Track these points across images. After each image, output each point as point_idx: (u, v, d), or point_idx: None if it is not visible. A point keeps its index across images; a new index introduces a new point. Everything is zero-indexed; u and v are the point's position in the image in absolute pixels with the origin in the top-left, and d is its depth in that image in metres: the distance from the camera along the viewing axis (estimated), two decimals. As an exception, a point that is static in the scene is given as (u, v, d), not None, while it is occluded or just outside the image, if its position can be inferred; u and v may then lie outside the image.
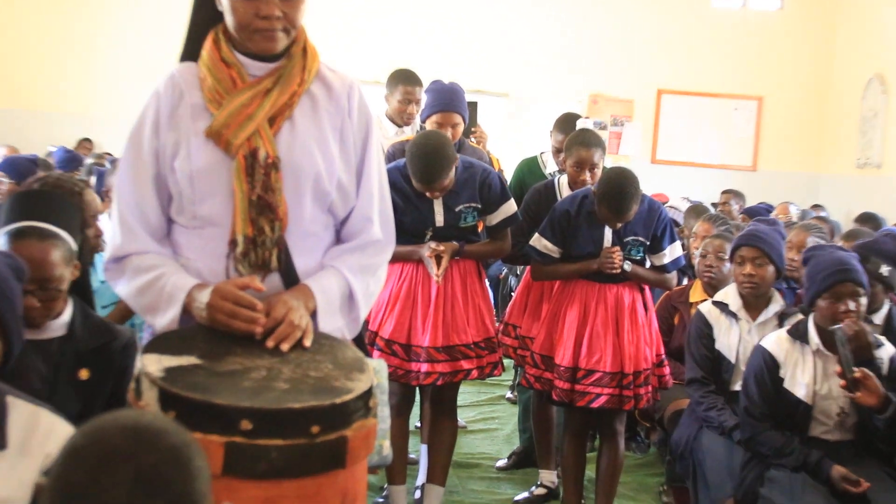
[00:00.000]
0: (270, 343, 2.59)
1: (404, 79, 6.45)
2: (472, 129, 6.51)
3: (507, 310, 5.88)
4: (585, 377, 5.12)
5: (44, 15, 14.77)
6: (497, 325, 5.48)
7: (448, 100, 5.15)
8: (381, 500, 5.57)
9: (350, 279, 2.87)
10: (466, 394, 7.10)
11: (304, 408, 2.31)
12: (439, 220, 5.05)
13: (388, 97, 6.52)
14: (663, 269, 5.29)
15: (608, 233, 5.14)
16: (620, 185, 4.95)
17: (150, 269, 2.76)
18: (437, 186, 4.94)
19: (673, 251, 5.28)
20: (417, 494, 5.51)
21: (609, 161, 5.80)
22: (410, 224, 4.98)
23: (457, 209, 5.05)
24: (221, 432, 2.24)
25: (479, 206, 5.11)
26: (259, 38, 2.72)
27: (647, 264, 5.25)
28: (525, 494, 6.01)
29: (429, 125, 5.13)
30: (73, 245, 3.24)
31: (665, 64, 15.03)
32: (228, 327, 2.61)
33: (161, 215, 2.86)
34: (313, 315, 2.76)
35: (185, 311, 2.72)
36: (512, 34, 14.44)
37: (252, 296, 2.65)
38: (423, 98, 5.91)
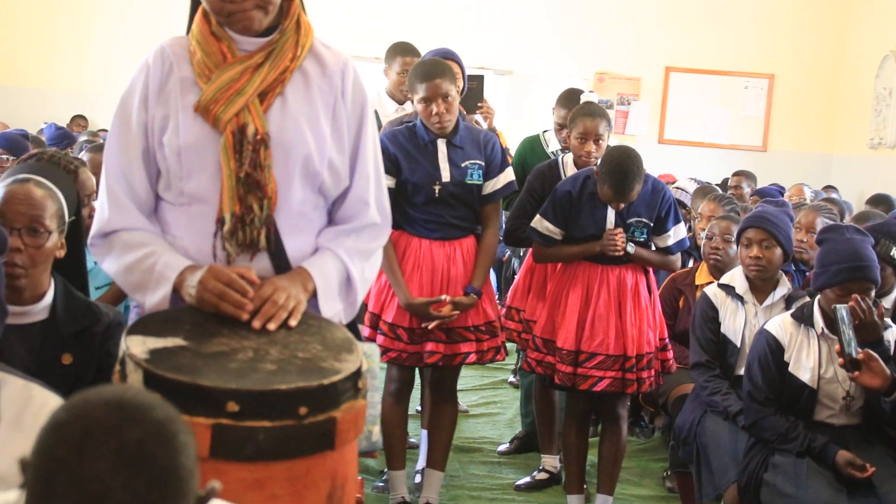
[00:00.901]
0: (256, 323, 2.60)
1: (402, 50, 6.50)
2: (479, 105, 6.49)
3: (510, 293, 5.89)
4: (588, 360, 5.14)
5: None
6: (500, 308, 5.49)
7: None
8: (380, 484, 5.60)
9: (348, 263, 2.88)
10: (468, 378, 7.12)
11: (291, 389, 2.32)
12: (446, 175, 5.05)
13: (387, 71, 6.55)
14: (667, 250, 5.30)
15: (611, 214, 5.15)
16: (623, 163, 4.97)
17: (140, 246, 2.77)
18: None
19: (677, 232, 5.30)
20: (418, 479, 5.53)
21: (615, 141, 5.80)
22: (419, 181, 5.02)
23: (462, 164, 5.07)
24: (208, 414, 2.26)
25: (483, 164, 5.12)
26: (234, 20, 2.71)
27: (652, 246, 5.26)
28: (527, 479, 6.04)
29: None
30: (66, 215, 3.23)
31: (673, 41, 14.98)
32: (216, 308, 2.62)
33: (149, 190, 2.86)
34: (314, 298, 2.78)
35: (174, 292, 2.72)
36: (515, 9, 14.40)
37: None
38: None
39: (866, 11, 14.78)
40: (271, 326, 2.59)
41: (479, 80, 6.48)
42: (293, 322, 2.64)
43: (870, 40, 14.56)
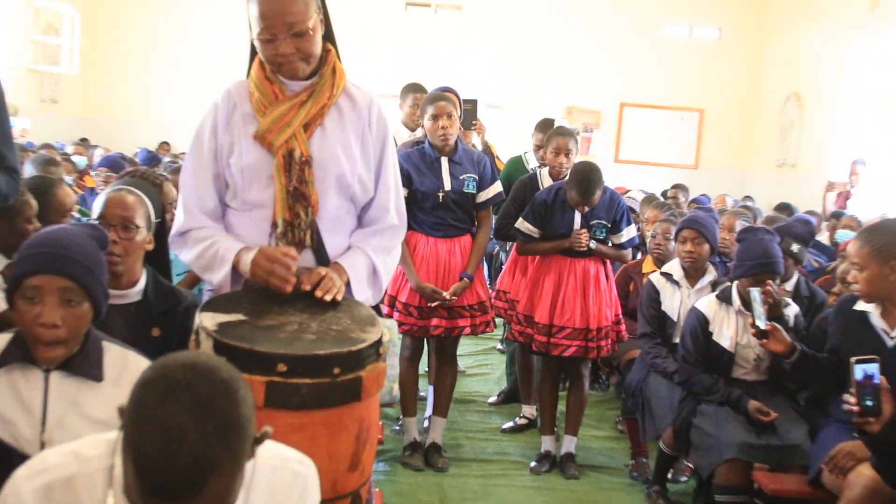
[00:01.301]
0: (318, 292, 2.64)
1: (413, 88, 6.54)
2: (473, 123, 6.46)
3: (498, 279, 5.92)
4: (559, 332, 5.21)
5: (132, 43, 14.77)
6: (490, 291, 5.52)
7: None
8: (397, 427, 5.62)
9: (374, 258, 2.91)
10: (465, 345, 7.11)
11: (327, 354, 2.35)
12: (447, 186, 5.09)
13: (402, 105, 6.57)
14: (621, 246, 5.35)
15: (577, 217, 5.20)
16: (587, 174, 5.08)
17: (206, 238, 2.81)
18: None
19: (629, 232, 5.35)
20: (426, 424, 5.54)
21: (580, 159, 5.81)
22: (426, 190, 5.06)
23: (461, 177, 5.11)
24: (262, 373, 2.29)
25: (477, 178, 5.15)
26: (283, 69, 2.75)
27: (609, 243, 5.29)
28: (510, 424, 6.08)
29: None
30: (153, 217, 3.22)
31: (626, 82, 15.07)
32: (265, 282, 2.66)
33: (217, 201, 2.88)
34: (347, 286, 2.80)
35: (233, 270, 2.76)
36: (504, 58, 14.44)
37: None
38: None
39: (774, 62, 14.81)
40: (328, 298, 2.64)
41: (473, 102, 6.42)
42: (339, 297, 2.68)
43: (776, 83, 14.61)
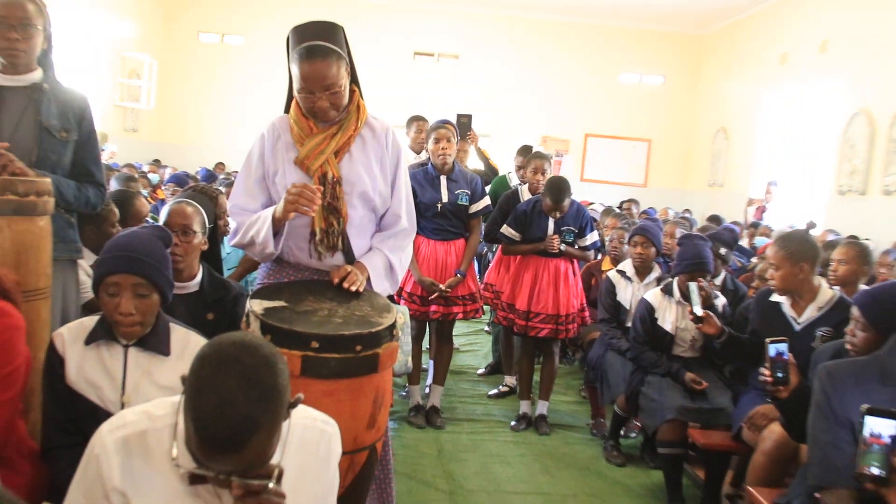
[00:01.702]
0: (346, 284, 2.66)
1: (417, 118, 6.57)
2: (468, 133, 6.47)
3: (486, 275, 5.91)
4: (535, 317, 5.22)
5: (196, 85, 14.81)
6: (480, 284, 5.51)
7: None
8: (404, 393, 5.61)
9: (390, 256, 2.90)
10: (459, 327, 7.06)
11: (351, 334, 2.35)
12: (444, 198, 5.10)
13: (408, 133, 6.58)
14: (586, 248, 5.36)
15: (551, 223, 5.21)
16: (558, 184, 5.14)
17: (247, 220, 2.82)
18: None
19: (592, 237, 5.38)
20: (427, 390, 5.52)
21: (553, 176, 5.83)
22: (428, 201, 5.07)
23: (456, 192, 5.12)
24: (299, 349, 2.29)
25: (469, 193, 5.16)
26: (319, 116, 2.76)
27: (576, 246, 5.29)
28: (495, 391, 6.06)
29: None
30: (206, 224, 3.22)
31: (590, 117, 15.14)
32: (294, 206, 2.61)
33: (260, 209, 2.86)
34: (368, 280, 2.80)
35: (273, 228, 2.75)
36: (492, 97, 14.43)
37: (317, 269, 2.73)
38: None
39: (706, 103, 14.88)
40: (353, 289, 2.65)
41: (468, 117, 6.45)
42: (361, 289, 2.69)
43: (708, 120, 14.71)
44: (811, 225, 9.60)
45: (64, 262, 3.17)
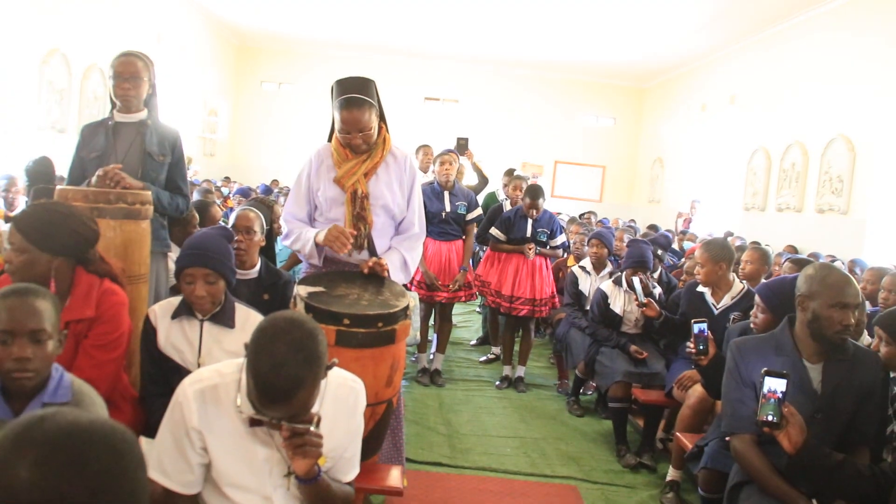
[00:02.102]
0: (376, 269, 2.67)
1: (424, 146, 6.44)
2: (466, 150, 6.30)
3: (478, 269, 5.85)
4: (516, 300, 5.18)
5: (258, 120, 14.81)
6: (473, 275, 5.47)
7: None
8: (413, 359, 5.56)
9: (405, 255, 2.88)
10: (456, 308, 7.02)
11: (374, 314, 2.34)
12: (448, 208, 5.07)
13: (417, 156, 6.50)
14: (556, 247, 5.31)
15: (529, 225, 5.20)
16: (534, 188, 5.24)
17: (296, 230, 2.82)
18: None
19: (561, 239, 5.35)
20: (431, 357, 5.49)
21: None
22: (434, 211, 5.01)
23: (456, 203, 5.09)
24: (334, 324, 2.28)
25: (467, 204, 5.14)
26: (353, 150, 2.77)
27: (548, 246, 5.27)
28: (484, 358, 6.01)
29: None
30: (264, 226, 3.24)
31: (559, 148, 15.09)
32: (332, 245, 2.65)
33: (306, 216, 2.88)
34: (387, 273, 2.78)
35: (316, 246, 2.78)
36: (484, 131, 14.35)
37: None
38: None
39: (646, 139, 14.82)
40: (384, 274, 2.69)
41: (466, 139, 6.30)
42: (385, 275, 2.70)
43: (648, 151, 14.70)
44: (728, 234, 9.59)
45: (157, 254, 3.25)
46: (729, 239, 8.11)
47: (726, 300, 3.79)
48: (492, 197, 6.86)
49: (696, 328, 3.28)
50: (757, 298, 3.00)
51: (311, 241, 2.74)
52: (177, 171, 3.32)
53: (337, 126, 2.75)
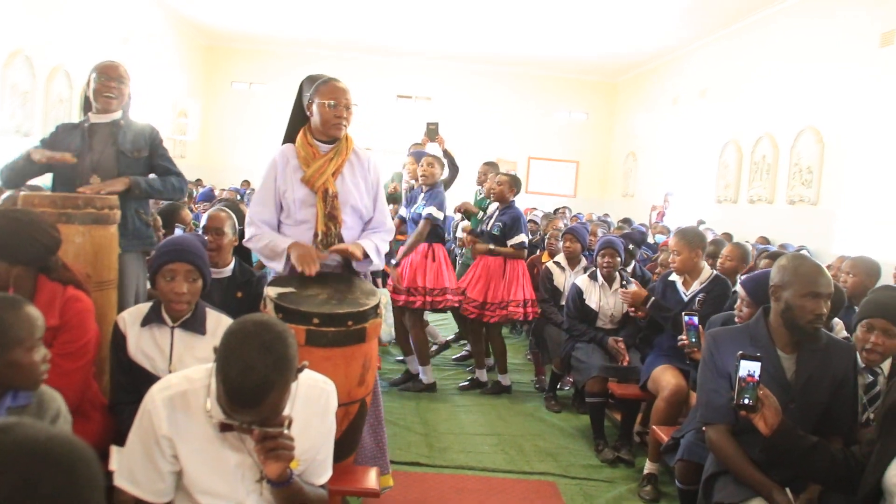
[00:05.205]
0: (345, 255, 2.72)
1: (414, 150, 6.32)
2: (437, 136, 5.99)
3: (461, 280, 5.31)
4: (490, 306, 5.01)
5: (227, 122, 14.71)
6: (455, 281, 5.19)
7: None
8: (399, 358, 5.41)
9: (378, 244, 2.87)
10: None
11: (344, 312, 2.35)
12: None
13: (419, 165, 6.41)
14: (514, 246, 5.07)
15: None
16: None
17: (265, 237, 2.79)
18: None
19: (518, 239, 5.03)
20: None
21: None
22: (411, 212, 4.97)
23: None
24: (304, 324, 2.29)
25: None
26: (334, 128, 2.78)
27: (508, 244, 5.05)
28: (457, 356, 5.95)
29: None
30: (236, 227, 3.26)
31: (532, 143, 15.12)
32: (298, 263, 2.62)
33: (274, 218, 2.86)
34: (365, 255, 2.79)
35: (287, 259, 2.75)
36: (458, 128, 14.33)
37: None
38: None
39: (619, 133, 14.92)
40: (358, 257, 2.73)
41: (436, 123, 6.03)
42: (358, 254, 2.74)
43: (621, 146, 14.79)
44: (700, 222, 9.70)
45: (140, 254, 3.34)
46: (701, 227, 8.19)
47: (695, 286, 3.84)
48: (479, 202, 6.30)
49: (686, 319, 3.31)
50: (742, 292, 3.02)
51: (284, 252, 2.72)
52: (160, 157, 3.45)
53: (322, 101, 2.75)
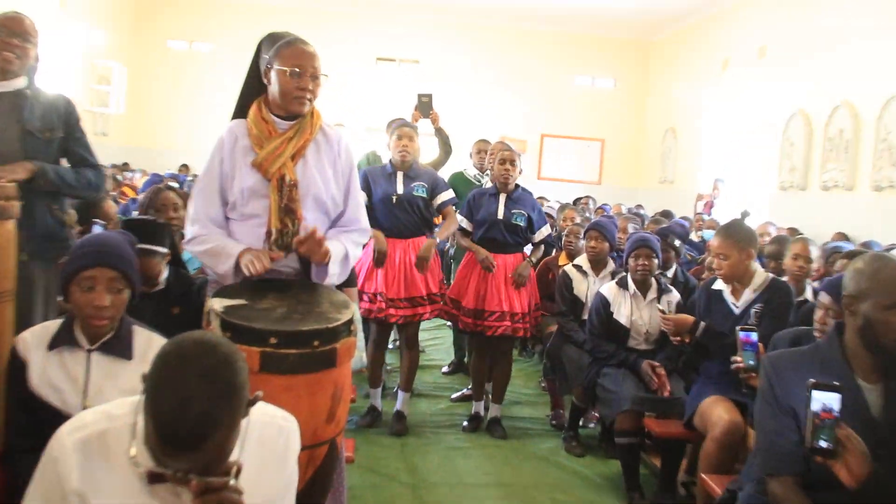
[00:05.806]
0: (309, 247, 2.66)
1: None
2: (431, 112, 6.22)
3: (451, 288, 5.39)
4: (490, 315, 5.00)
5: (162, 91, 14.72)
6: (444, 284, 5.29)
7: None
8: (364, 395, 5.34)
9: (349, 248, 2.87)
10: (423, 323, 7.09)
11: (309, 330, 2.35)
12: (400, 190, 4.92)
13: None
14: (537, 244, 5.25)
15: (502, 203, 5.07)
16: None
17: (213, 239, 2.78)
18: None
19: (545, 232, 5.23)
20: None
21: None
22: (381, 193, 4.91)
23: (411, 185, 4.94)
24: (258, 345, 2.29)
25: (427, 186, 5.00)
26: (296, 103, 2.77)
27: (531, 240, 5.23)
28: (457, 395, 5.81)
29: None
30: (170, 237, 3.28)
31: (546, 118, 15.25)
32: (249, 268, 2.62)
33: (221, 213, 2.85)
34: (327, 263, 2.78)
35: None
36: (451, 100, 14.39)
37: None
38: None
39: (655, 104, 15.11)
40: (321, 248, 2.68)
41: (429, 96, 6.21)
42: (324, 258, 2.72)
43: (658, 121, 14.89)
44: (745, 214, 9.71)
45: (49, 260, 3.27)
46: (749, 221, 8.19)
47: (747, 295, 3.82)
48: (459, 176, 6.55)
49: (741, 336, 3.29)
50: (824, 298, 2.97)
51: (234, 259, 2.71)
52: (75, 142, 3.42)
53: (282, 67, 2.73)
